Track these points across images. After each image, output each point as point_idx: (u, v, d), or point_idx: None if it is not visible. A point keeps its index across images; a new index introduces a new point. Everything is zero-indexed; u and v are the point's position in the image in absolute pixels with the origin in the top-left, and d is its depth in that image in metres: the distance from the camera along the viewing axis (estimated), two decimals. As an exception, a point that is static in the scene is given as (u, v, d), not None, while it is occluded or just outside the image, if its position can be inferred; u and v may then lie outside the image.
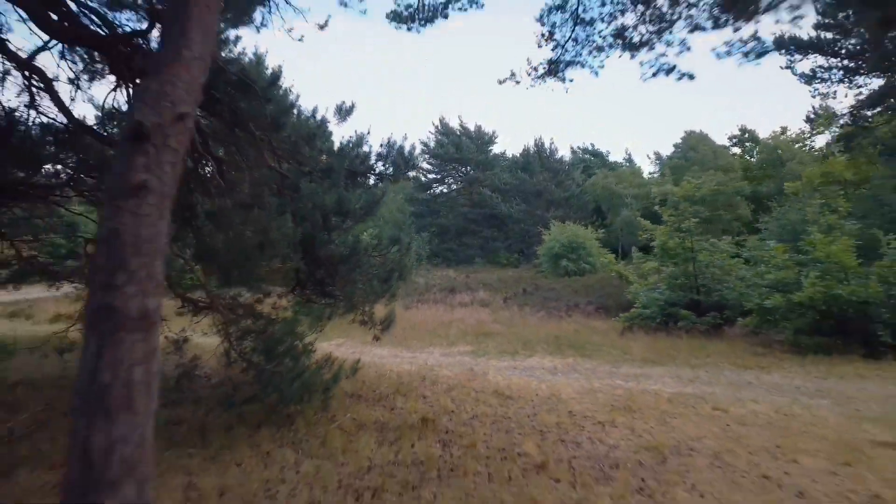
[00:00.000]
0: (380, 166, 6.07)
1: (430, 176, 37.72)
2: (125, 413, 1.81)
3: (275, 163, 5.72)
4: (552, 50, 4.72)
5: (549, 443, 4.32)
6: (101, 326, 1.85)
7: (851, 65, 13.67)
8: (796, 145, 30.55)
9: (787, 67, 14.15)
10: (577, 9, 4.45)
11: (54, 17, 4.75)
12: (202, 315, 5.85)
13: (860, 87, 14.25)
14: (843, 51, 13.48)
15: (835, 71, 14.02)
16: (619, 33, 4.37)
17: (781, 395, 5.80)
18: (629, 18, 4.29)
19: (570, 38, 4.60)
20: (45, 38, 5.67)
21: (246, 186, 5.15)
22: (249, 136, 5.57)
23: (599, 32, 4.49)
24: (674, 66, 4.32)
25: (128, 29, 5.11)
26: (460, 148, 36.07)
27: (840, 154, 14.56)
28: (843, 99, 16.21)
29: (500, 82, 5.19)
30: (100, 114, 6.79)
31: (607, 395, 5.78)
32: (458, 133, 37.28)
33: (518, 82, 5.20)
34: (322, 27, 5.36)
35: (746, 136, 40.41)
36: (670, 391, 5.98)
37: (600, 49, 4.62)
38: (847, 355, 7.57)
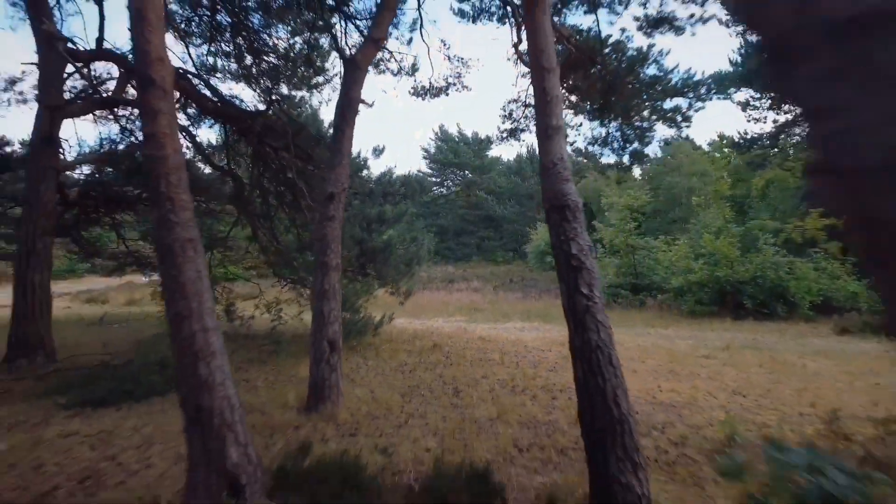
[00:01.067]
0: (403, 190, 9.16)
1: (431, 179, 40.53)
2: (334, 300, 4.91)
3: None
4: (511, 124, 7.83)
5: (508, 356, 7.41)
6: (318, 270, 4.93)
7: (776, 95, 16.79)
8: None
9: (725, 98, 17.25)
10: (524, 100, 7.55)
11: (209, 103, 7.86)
12: (288, 287, 8.97)
13: (787, 113, 17.40)
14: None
15: (764, 100, 17.15)
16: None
17: (664, 339, 8.90)
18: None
19: (521, 116, 7.70)
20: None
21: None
22: (320, 171, 8.64)
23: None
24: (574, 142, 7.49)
25: (251, 109, 8.22)
26: (458, 153, 38.90)
27: (751, 170, 17.82)
28: (772, 123, 18.89)
29: (481, 140, 8.18)
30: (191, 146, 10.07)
31: (553, 339, 8.86)
32: (457, 139, 40.11)
33: (492, 141, 8.34)
34: (370, 105, 8.40)
35: (724, 142, 43.53)
36: (594, 337, 9.06)
37: (540, 122, 7.70)
38: (723, 318, 10.67)
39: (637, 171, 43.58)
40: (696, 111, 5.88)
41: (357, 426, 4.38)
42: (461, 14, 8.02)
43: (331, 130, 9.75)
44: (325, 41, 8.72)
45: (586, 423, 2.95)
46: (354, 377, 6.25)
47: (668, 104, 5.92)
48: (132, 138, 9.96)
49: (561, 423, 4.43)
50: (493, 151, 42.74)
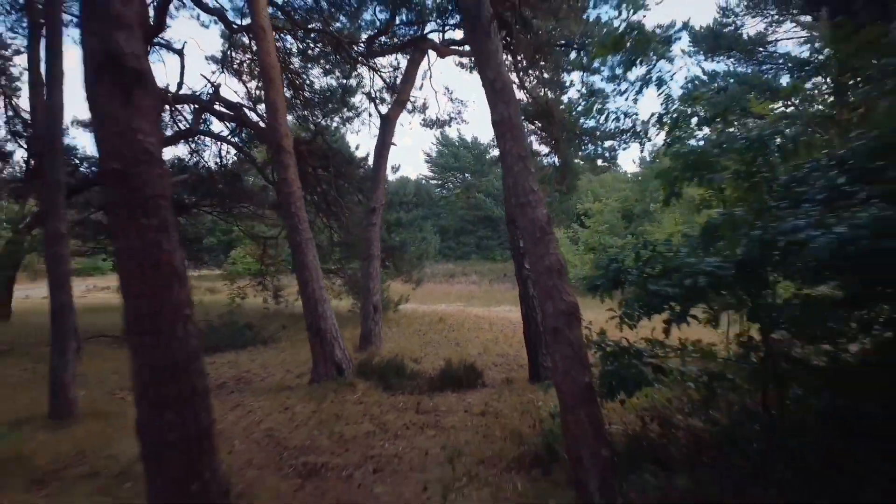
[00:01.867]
0: (415, 199, 11.60)
1: (432, 182, 42.78)
2: (376, 278, 7.38)
3: (362, 199, 11.26)
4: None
5: (495, 326, 9.89)
6: (365, 259, 7.44)
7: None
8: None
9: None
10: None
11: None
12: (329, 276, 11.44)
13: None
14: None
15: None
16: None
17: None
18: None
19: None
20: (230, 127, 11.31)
21: (354, 213, 10.68)
22: (351, 185, 11.12)
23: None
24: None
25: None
26: (458, 157, 41.16)
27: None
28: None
29: (480, 145, 10.60)
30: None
31: (532, 317, 11.34)
32: (457, 144, 42.38)
33: (488, 156, 10.72)
34: (396, 146, 10.87)
35: (710, 146, 45.87)
36: (565, 315, 11.56)
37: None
38: (671, 301, 13.15)
39: (629, 172, 46.12)
40: (624, 150, 8.16)
41: (394, 357, 6.85)
42: (461, 66, 10.51)
43: (357, 153, 12.26)
44: (353, 82, 11.15)
45: (526, 335, 5.42)
46: (383, 338, 8.72)
47: (606, 144, 8.36)
48: (198, 158, 12.45)
49: (524, 355, 6.89)
50: (492, 155, 45.06)
